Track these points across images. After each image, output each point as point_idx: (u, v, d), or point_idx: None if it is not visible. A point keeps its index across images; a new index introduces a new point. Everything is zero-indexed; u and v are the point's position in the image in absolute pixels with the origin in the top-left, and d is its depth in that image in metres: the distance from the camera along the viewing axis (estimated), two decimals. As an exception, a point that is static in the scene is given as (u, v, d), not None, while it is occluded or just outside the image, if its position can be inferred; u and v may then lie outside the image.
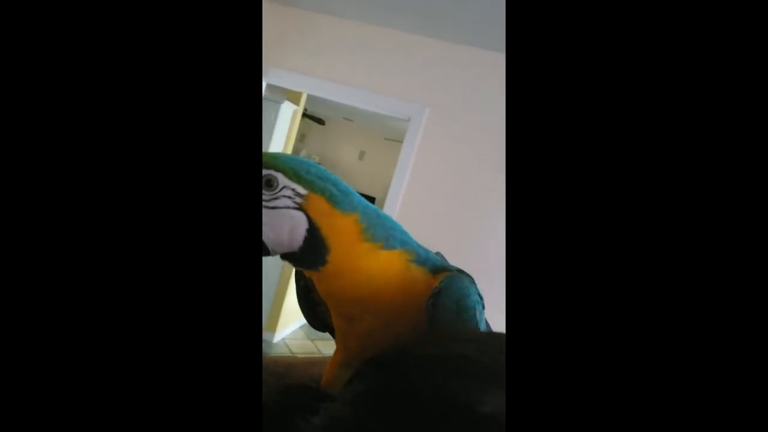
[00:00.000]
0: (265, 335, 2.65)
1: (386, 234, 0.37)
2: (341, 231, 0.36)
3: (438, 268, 0.38)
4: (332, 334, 0.46)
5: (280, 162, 0.35)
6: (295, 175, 0.35)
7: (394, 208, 1.82)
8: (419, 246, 0.40)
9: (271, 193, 0.35)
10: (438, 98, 1.77)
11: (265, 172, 0.34)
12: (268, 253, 0.36)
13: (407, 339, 0.34)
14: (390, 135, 4.76)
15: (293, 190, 0.35)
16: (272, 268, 2.53)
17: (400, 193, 1.82)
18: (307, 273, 0.40)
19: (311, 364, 0.49)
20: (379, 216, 0.38)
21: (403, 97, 1.80)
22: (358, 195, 0.38)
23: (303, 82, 2.05)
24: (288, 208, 0.35)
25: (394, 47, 1.81)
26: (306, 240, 0.35)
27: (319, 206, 0.35)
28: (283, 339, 2.93)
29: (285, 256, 0.37)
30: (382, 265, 0.36)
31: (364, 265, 0.36)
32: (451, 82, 1.77)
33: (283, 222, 0.35)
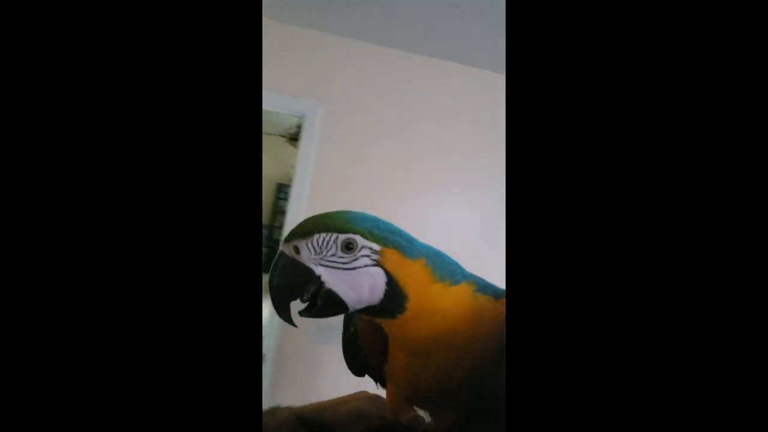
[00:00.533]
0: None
1: (450, 270, 0.40)
2: (415, 277, 0.38)
3: (498, 293, 0.40)
4: (374, 375, 0.50)
5: (356, 224, 0.38)
6: (370, 235, 0.38)
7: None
8: (473, 274, 0.42)
9: (352, 255, 0.37)
10: (333, 95, 1.71)
11: (343, 236, 0.37)
12: (347, 310, 0.38)
13: (482, 369, 0.37)
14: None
15: (370, 248, 0.37)
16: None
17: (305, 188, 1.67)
18: (380, 321, 0.41)
19: (339, 403, 0.51)
20: (438, 255, 0.40)
21: (296, 95, 1.68)
22: (418, 240, 0.40)
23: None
24: (367, 266, 0.37)
25: (288, 42, 1.70)
26: (386, 292, 0.37)
27: (393, 259, 0.38)
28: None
29: (363, 311, 0.39)
30: (454, 301, 0.39)
31: (441, 304, 0.38)
32: (346, 79, 1.73)
33: (363, 280, 0.37)
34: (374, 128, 1.74)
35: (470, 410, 0.33)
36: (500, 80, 1.77)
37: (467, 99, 1.79)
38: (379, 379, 0.51)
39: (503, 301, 0.39)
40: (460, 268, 0.41)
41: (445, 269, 0.39)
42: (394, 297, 0.37)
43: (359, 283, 0.37)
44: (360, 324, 0.49)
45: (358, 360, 0.50)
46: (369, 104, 1.74)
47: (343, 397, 0.51)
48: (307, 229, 0.38)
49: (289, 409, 0.47)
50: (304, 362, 1.62)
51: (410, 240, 0.40)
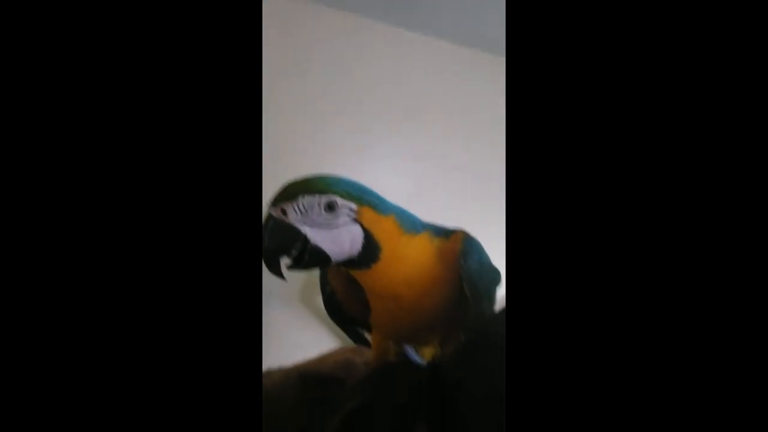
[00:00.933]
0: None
1: (413, 222, 0.47)
2: (387, 231, 0.44)
3: (447, 231, 0.49)
4: (358, 324, 0.58)
5: (336, 186, 0.43)
6: (348, 195, 0.43)
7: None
8: (428, 223, 0.49)
9: (334, 214, 0.42)
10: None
11: (325, 198, 0.42)
12: (329, 263, 0.44)
13: (448, 299, 0.45)
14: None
15: (348, 207, 0.43)
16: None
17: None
18: (354, 273, 0.48)
19: (327, 356, 0.59)
20: (403, 211, 0.47)
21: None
22: (385, 198, 0.47)
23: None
24: (347, 223, 0.43)
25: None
26: (364, 245, 0.43)
27: (369, 216, 0.44)
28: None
29: (344, 263, 0.45)
30: (417, 248, 0.46)
31: (408, 252, 0.45)
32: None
33: (344, 236, 0.43)
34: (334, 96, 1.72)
35: (470, 342, 0.40)
36: (466, 53, 1.79)
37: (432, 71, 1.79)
38: (366, 327, 0.58)
39: (453, 237, 0.47)
40: (419, 219, 0.49)
41: (409, 222, 0.46)
42: (370, 249, 0.43)
43: (341, 239, 0.43)
44: (334, 282, 0.55)
45: (342, 314, 0.56)
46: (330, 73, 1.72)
47: (328, 352, 0.58)
48: (293, 192, 0.42)
49: (282, 369, 0.54)
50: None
51: (380, 199, 0.46)
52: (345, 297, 0.55)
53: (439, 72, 1.77)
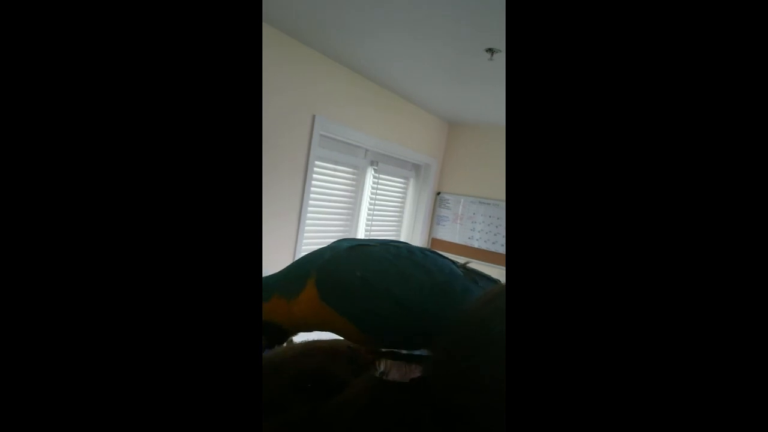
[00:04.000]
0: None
1: (288, 290, 0.42)
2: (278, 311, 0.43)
3: (292, 292, 0.43)
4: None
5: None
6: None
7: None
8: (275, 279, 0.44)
9: None
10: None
11: None
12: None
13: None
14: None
15: None
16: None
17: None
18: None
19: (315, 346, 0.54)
20: (269, 285, 0.44)
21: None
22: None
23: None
24: None
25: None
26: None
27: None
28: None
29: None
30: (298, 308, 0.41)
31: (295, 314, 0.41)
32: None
33: None
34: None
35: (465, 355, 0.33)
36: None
37: None
38: None
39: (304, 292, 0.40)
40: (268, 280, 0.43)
41: (284, 290, 0.41)
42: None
43: None
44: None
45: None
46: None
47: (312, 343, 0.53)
48: None
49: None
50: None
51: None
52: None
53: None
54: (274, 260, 1.74)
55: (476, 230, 2.65)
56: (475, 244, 2.64)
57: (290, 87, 1.67)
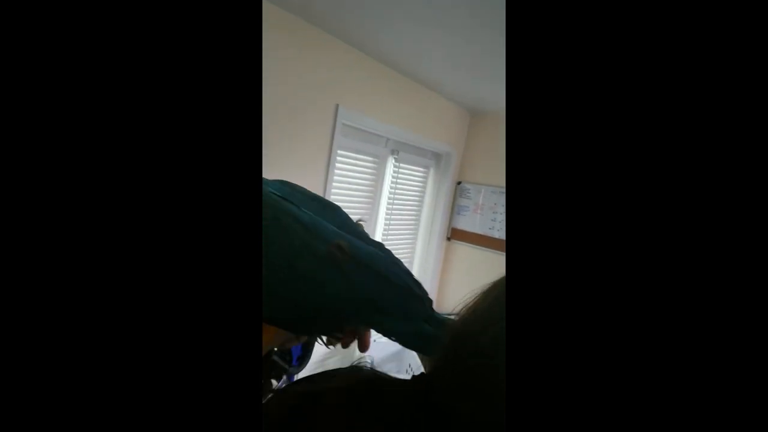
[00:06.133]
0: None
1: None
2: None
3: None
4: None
5: None
6: None
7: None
8: None
9: None
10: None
11: None
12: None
13: None
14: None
15: None
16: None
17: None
18: None
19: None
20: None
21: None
22: None
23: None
24: None
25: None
26: None
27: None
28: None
29: None
30: None
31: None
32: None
33: None
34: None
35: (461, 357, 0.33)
36: None
37: None
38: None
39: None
40: None
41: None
42: None
43: None
44: None
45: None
46: None
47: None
48: None
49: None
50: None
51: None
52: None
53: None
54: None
55: (497, 220, 2.63)
56: (496, 235, 2.62)
57: (314, 76, 1.69)
